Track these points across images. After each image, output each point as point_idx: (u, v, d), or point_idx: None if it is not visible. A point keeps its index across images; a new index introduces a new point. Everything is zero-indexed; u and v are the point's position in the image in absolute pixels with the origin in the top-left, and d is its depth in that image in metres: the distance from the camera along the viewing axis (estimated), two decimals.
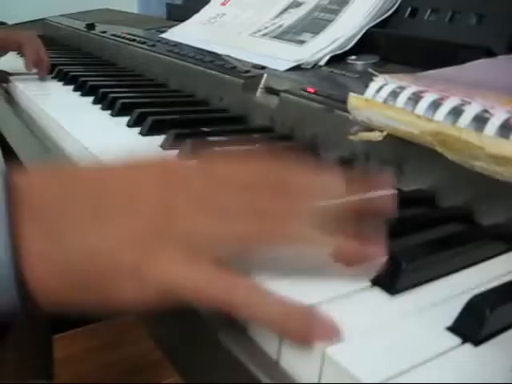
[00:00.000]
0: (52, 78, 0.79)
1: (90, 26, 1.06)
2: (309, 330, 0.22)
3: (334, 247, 0.25)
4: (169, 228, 0.23)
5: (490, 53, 0.49)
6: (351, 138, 0.40)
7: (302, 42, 0.65)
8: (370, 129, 0.39)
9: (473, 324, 0.23)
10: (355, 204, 0.27)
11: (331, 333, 0.22)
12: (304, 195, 0.26)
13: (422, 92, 0.36)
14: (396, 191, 0.29)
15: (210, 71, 0.63)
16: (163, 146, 0.47)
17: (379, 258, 0.25)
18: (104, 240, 0.23)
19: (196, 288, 0.23)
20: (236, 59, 0.67)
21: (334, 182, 0.26)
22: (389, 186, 0.29)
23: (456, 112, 0.33)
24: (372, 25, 0.63)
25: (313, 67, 0.61)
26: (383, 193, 0.28)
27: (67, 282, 0.23)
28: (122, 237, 0.23)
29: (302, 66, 0.61)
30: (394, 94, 0.37)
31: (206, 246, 0.24)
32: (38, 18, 1.29)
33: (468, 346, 0.23)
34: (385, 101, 0.38)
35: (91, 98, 0.64)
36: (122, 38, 0.91)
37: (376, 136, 0.38)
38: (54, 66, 0.82)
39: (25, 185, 0.23)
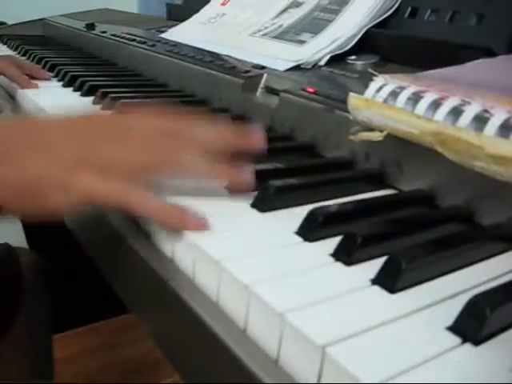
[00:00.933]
0: (52, 77, 0.79)
1: (90, 26, 1.06)
2: (181, 219, 0.31)
3: (216, 171, 0.35)
4: (87, 154, 0.33)
5: (489, 53, 0.49)
6: (351, 138, 0.40)
7: (301, 42, 0.65)
8: (370, 129, 0.39)
9: (473, 324, 0.23)
10: (229, 139, 0.36)
11: (200, 222, 0.31)
12: (192, 136, 0.36)
13: (422, 92, 0.36)
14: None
15: (209, 71, 0.64)
16: None
17: (248, 178, 0.35)
18: (38, 163, 0.32)
19: (105, 194, 0.32)
20: (236, 59, 0.67)
21: (215, 129, 0.37)
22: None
23: (456, 112, 0.33)
24: (372, 25, 0.63)
25: (313, 67, 0.61)
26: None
27: (13, 192, 0.32)
28: (52, 161, 0.32)
29: (302, 66, 0.61)
30: (394, 94, 0.37)
31: (114, 168, 0.33)
32: (38, 18, 1.29)
33: (468, 346, 0.23)
34: (385, 101, 0.38)
35: (91, 98, 0.64)
36: (122, 38, 0.91)
37: (376, 136, 0.38)
38: (54, 66, 0.82)
39: None
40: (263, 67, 0.61)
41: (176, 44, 0.81)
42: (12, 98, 0.74)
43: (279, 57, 0.63)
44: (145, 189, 0.33)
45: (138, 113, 0.38)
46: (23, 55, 0.95)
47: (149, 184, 0.34)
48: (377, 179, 0.41)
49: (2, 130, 0.34)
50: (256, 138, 0.37)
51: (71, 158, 0.32)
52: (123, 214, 0.37)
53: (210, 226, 0.31)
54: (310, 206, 0.33)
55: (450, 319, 0.24)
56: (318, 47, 0.62)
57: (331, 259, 0.29)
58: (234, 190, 0.36)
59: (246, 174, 0.35)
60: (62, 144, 0.33)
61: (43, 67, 0.86)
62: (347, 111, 0.41)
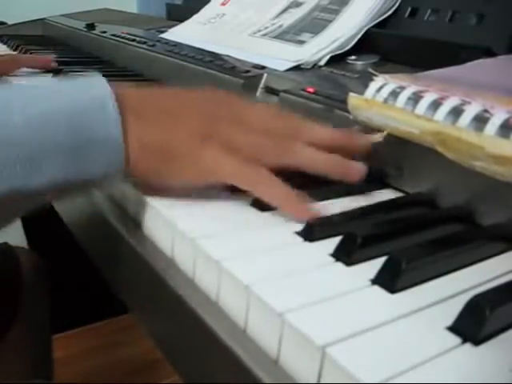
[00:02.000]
0: (52, 77, 0.79)
1: (90, 26, 1.05)
2: (299, 211, 0.33)
3: (328, 159, 0.36)
4: (216, 131, 0.34)
5: (489, 53, 0.49)
6: None
7: (301, 42, 0.65)
8: (370, 129, 0.39)
9: (473, 324, 0.23)
10: (339, 137, 0.38)
11: (315, 214, 0.33)
12: (308, 130, 0.38)
13: (422, 92, 0.36)
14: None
15: (209, 71, 0.63)
16: None
17: (361, 171, 0.36)
18: (172, 133, 0.34)
19: (235, 173, 0.34)
20: (236, 59, 0.67)
21: (326, 128, 0.39)
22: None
23: (456, 112, 0.33)
24: (372, 25, 0.63)
25: (313, 67, 0.61)
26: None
27: (151, 156, 0.33)
28: (183, 133, 0.34)
29: (302, 66, 0.61)
30: (394, 94, 0.37)
31: (240, 149, 0.34)
32: (38, 18, 1.29)
33: (468, 346, 0.23)
34: (385, 101, 0.38)
35: None
36: (122, 38, 0.91)
37: (377, 137, 0.38)
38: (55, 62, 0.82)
39: (126, 95, 0.33)
40: (263, 67, 0.61)
41: (176, 44, 0.81)
42: None
43: (279, 57, 0.63)
44: (272, 175, 0.34)
45: (259, 103, 0.41)
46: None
47: None
48: (377, 179, 0.41)
49: (138, 93, 0.35)
50: (363, 139, 0.39)
51: (200, 131, 0.34)
52: (122, 213, 0.37)
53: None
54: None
55: (450, 319, 0.24)
56: (318, 47, 0.62)
57: (331, 259, 0.29)
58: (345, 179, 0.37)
59: (360, 166, 0.36)
60: (195, 117, 0.35)
61: None
62: (347, 111, 0.41)
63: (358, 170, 0.36)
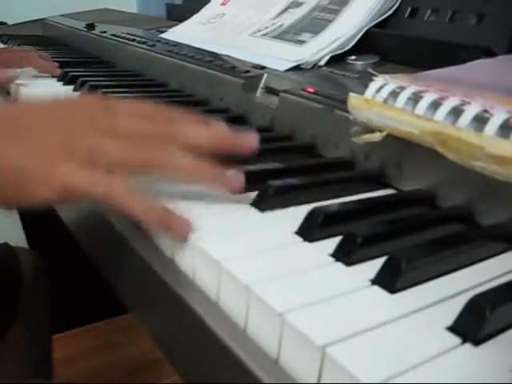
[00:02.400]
0: (52, 77, 0.79)
1: (90, 26, 1.06)
2: (166, 221, 0.30)
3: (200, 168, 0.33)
4: (71, 145, 0.32)
5: (489, 53, 0.49)
6: (354, 139, 0.40)
7: (301, 42, 0.65)
8: (370, 129, 0.39)
9: (473, 324, 0.23)
10: (222, 140, 0.35)
11: (185, 224, 0.30)
12: (184, 135, 0.34)
13: (421, 92, 0.36)
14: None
15: (209, 71, 0.63)
16: None
17: (238, 182, 0.34)
18: (20, 154, 0.31)
19: (87, 186, 0.31)
20: (236, 59, 0.67)
21: (207, 129, 0.36)
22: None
23: (456, 112, 0.33)
24: (372, 25, 0.63)
25: (313, 67, 0.61)
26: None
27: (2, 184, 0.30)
28: (33, 151, 0.31)
29: (302, 66, 0.61)
30: (394, 94, 0.37)
31: (99, 160, 0.31)
32: (38, 18, 1.29)
33: (468, 346, 0.23)
34: (385, 101, 0.38)
35: None
36: (122, 37, 0.91)
37: (376, 137, 0.38)
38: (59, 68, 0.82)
39: None
40: (263, 67, 0.61)
41: (176, 44, 0.81)
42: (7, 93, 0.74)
43: (279, 57, 0.63)
44: (129, 185, 0.32)
45: (128, 104, 0.37)
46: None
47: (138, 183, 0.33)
48: (377, 179, 0.41)
49: None
50: (250, 138, 0.35)
51: (53, 148, 0.31)
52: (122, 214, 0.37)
53: (194, 228, 0.30)
54: (310, 206, 0.33)
55: (450, 319, 0.24)
56: (318, 47, 0.62)
57: (331, 259, 0.29)
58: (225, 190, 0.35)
59: (237, 178, 0.34)
60: (45, 133, 0.32)
61: None
62: (347, 111, 0.41)
63: (235, 181, 0.33)
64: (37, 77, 0.77)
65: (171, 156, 0.33)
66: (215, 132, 0.36)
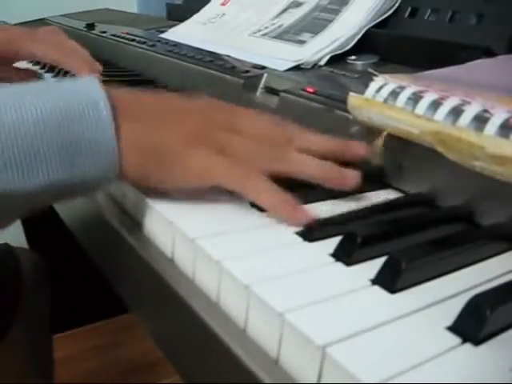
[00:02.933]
0: (52, 77, 0.79)
1: (90, 26, 1.05)
2: (295, 215, 0.33)
3: (322, 167, 0.36)
4: (207, 134, 0.35)
5: (489, 53, 0.49)
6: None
7: (301, 42, 0.65)
8: (370, 129, 0.39)
9: (473, 324, 0.23)
10: (334, 145, 0.38)
11: (307, 216, 0.33)
12: (304, 138, 0.38)
13: (421, 92, 0.36)
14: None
15: (209, 71, 0.63)
16: None
17: (355, 180, 0.36)
18: (166, 136, 0.34)
19: (223, 173, 0.33)
20: (236, 59, 0.67)
21: (322, 136, 0.39)
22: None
23: (456, 112, 0.33)
24: (372, 25, 0.63)
25: (313, 67, 0.61)
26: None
27: (143, 160, 0.33)
28: (178, 136, 0.34)
29: (302, 66, 0.61)
30: (394, 94, 0.37)
31: (231, 153, 0.34)
32: (38, 18, 1.29)
33: (468, 346, 0.23)
34: (385, 101, 0.38)
35: None
36: (122, 38, 0.91)
37: (379, 142, 0.38)
38: (54, 66, 0.82)
39: (120, 98, 0.33)
40: (263, 67, 0.61)
41: (176, 44, 0.81)
42: None
43: (279, 57, 0.63)
44: (262, 177, 0.34)
45: (251, 111, 0.41)
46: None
47: None
48: (377, 179, 0.41)
49: (132, 97, 0.36)
50: (359, 146, 0.38)
51: (194, 135, 0.34)
52: (122, 214, 0.37)
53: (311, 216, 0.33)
54: (310, 206, 0.33)
55: (450, 319, 0.24)
56: (318, 47, 0.62)
57: (331, 259, 0.29)
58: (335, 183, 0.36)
59: (354, 174, 0.36)
60: (187, 122, 0.35)
61: (43, 67, 0.86)
62: (347, 111, 0.41)
63: (351, 177, 0.36)
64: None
65: (293, 155, 0.36)
66: (330, 139, 0.39)
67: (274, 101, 0.53)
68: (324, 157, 0.36)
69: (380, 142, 0.38)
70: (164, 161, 0.33)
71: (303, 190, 0.37)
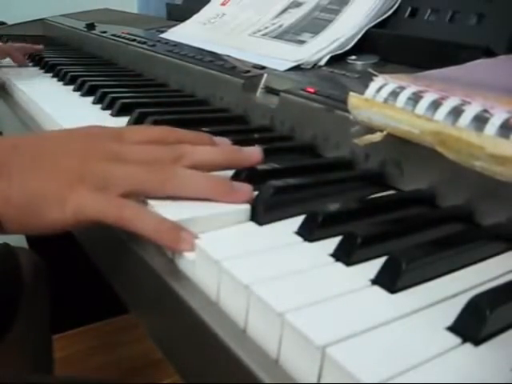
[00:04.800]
0: (52, 77, 0.79)
1: (90, 26, 1.06)
2: (177, 238, 0.31)
3: (209, 181, 0.34)
4: (87, 171, 0.33)
5: (489, 53, 0.49)
6: (355, 141, 0.40)
7: (301, 42, 0.65)
8: (370, 128, 0.39)
9: (473, 324, 0.23)
10: (227, 155, 0.37)
11: (191, 242, 0.30)
12: (193, 154, 0.36)
13: (422, 92, 0.36)
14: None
15: (209, 71, 0.63)
16: None
17: (247, 195, 0.34)
18: (38, 179, 0.32)
19: (98, 209, 0.32)
20: (236, 59, 0.67)
21: (216, 149, 0.38)
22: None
23: (456, 112, 0.33)
24: (372, 25, 0.63)
25: (313, 67, 0.61)
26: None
27: (16, 210, 0.32)
28: (51, 177, 0.33)
29: (302, 66, 0.61)
30: (394, 94, 0.37)
31: (113, 185, 0.33)
32: (38, 18, 1.29)
33: (468, 346, 0.23)
34: (385, 101, 0.38)
35: (91, 98, 0.64)
36: (122, 38, 0.91)
37: (376, 137, 0.38)
38: (54, 66, 0.82)
39: None
40: (263, 67, 0.61)
41: (176, 44, 0.81)
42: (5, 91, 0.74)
43: (279, 57, 0.63)
44: (142, 207, 0.33)
45: (136, 129, 0.39)
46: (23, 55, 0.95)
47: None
48: (377, 179, 0.41)
49: (3, 145, 0.35)
50: (255, 152, 0.38)
51: (71, 174, 0.33)
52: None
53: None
54: (310, 206, 0.33)
55: (450, 319, 0.24)
56: (318, 47, 0.62)
57: (331, 259, 0.29)
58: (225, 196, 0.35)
59: (247, 191, 0.35)
60: (63, 161, 0.33)
61: (43, 67, 0.86)
62: (347, 111, 0.41)
63: (243, 193, 0.34)
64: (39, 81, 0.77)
65: (182, 174, 0.34)
66: (222, 149, 0.38)
67: (274, 101, 0.53)
68: (218, 168, 0.36)
69: (377, 138, 0.38)
70: (41, 209, 0.32)
71: (307, 189, 0.37)
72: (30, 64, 0.91)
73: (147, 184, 0.33)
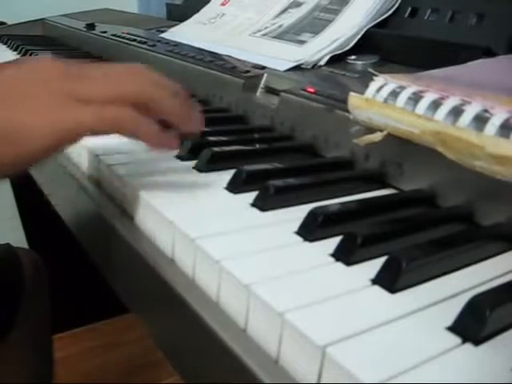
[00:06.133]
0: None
1: (90, 26, 1.06)
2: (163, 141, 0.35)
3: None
4: (69, 90, 0.32)
5: (489, 53, 0.49)
6: (355, 141, 0.40)
7: (302, 42, 0.65)
8: (370, 128, 0.39)
9: (473, 324, 0.23)
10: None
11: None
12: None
13: (422, 92, 0.36)
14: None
15: (210, 71, 0.63)
16: None
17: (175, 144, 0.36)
18: (9, 111, 0.31)
19: (97, 119, 0.32)
20: (236, 59, 0.67)
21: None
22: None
23: (456, 112, 0.33)
24: (372, 25, 0.63)
25: (313, 67, 0.61)
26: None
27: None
28: (25, 106, 0.31)
29: (302, 66, 0.61)
30: (394, 94, 0.37)
31: (99, 97, 0.33)
32: (38, 18, 1.29)
33: (468, 346, 0.23)
34: (385, 100, 0.38)
35: None
36: (122, 38, 0.91)
37: (377, 137, 0.38)
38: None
39: None
40: (263, 67, 0.61)
41: (176, 44, 0.81)
42: None
43: (279, 57, 0.63)
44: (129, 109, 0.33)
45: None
46: (23, 55, 0.95)
47: None
48: (377, 179, 0.41)
49: None
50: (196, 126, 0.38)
51: (43, 98, 0.32)
52: (122, 214, 0.37)
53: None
54: (310, 206, 0.33)
55: (450, 319, 0.24)
56: (318, 47, 0.62)
57: (331, 259, 0.29)
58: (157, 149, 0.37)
59: (173, 139, 0.36)
60: (29, 90, 0.33)
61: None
62: (347, 111, 0.41)
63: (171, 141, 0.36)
64: None
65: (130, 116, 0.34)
66: (177, 104, 0.37)
67: (274, 101, 0.53)
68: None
69: (377, 138, 0.38)
70: (20, 138, 0.31)
71: (307, 189, 0.37)
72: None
73: (128, 94, 0.34)
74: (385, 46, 0.61)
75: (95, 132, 0.33)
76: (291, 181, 0.37)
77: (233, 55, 0.68)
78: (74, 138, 0.32)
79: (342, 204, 0.36)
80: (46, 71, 0.34)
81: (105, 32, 0.99)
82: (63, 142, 0.32)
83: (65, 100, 0.32)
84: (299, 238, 0.32)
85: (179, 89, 0.39)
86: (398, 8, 0.63)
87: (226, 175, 0.38)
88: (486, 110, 0.32)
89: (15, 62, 0.37)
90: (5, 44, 1.10)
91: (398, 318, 0.24)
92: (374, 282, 0.27)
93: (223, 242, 0.30)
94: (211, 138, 0.47)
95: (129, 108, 0.33)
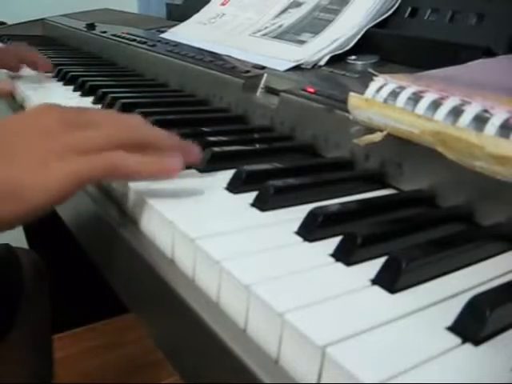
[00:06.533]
0: (52, 77, 0.79)
1: (90, 26, 1.06)
2: (163, 168, 0.34)
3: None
4: (54, 145, 0.33)
5: (489, 53, 0.49)
6: (355, 141, 0.40)
7: (301, 42, 0.65)
8: (370, 129, 0.39)
9: (473, 324, 0.23)
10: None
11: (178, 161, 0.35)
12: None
13: (422, 92, 0.36)
14: None
15: (210, 71, 0.64)
16: None
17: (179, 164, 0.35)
18: (13, 168, 0.31)
19: (89, 167, 0.32)
20: (236, 59, 0.67)
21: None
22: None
23: (456, 112, 0.33)
24: (372, 25, 0.63)
25: (313, 67, 0.61)
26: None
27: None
28: (21, 163, 0.32)
29: (302, 66, 0.61)
30: (394, 94, 0.37)
31: (85, 146, 0.33)
32: (38, 18, 1.29)
33: (468, 346, 0.23)
34: (385, 101, 0.38)
35: (91, 98, 0.64)
36: (122, 38, 0.91)
37: (377, 137, 0.38)
38: (54, 66, 0.82)
39: None
40: (263, 67, 0.61)
41: (176, 44, 0.81)
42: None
43: (279, 57, 0.63)
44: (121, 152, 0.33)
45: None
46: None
47: None
48: (377, 179, 0.41)
49: None
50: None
51: (40, 154, 0.32)
52: (122, 214, 0.37)
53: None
54: (310, 206, 0.33)
55: (450, 319, 0.24)
56: (318, 47, 0.62)
57: (331, 259, 0.29)
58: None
59: (176, 159, 0.35)
60: (27, 146, 0.33)
61: None
62: (347, 111, 0.41)
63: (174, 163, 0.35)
64: (39, 81, 0.77)
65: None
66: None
67: (273, 101, 0.53)
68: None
69: (377, 138, 0.38)
70: (18, 194, 0.31)
71: (307, 189, 0.37)
72: None
73: (121, 131, 0.35)
74: (385, 46, 0.61)
75: (95, 181, 0.35)
76: (291, 181, 0.37)
77: (233, 55, 0.68)
78: (74, 190, 0.32)
79: (342, 204, 0.36)
80: (45, 122, 0.35)
81: (105, 32, 0.99)
82: (66, 195, 0.32)
83: (62, 154, 0.32)
84: (299, 238, 0.32)
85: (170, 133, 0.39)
86: (398, 8, 0.63)
87: (226, 175, 0.38)
88: (485, 110, 0.32)
89: (19, 115, 0.38)
90: (5, 44, 1.10)
91: (398, 318, 0.24)
92: (374, 282, 0.27)
93: (223, 243, 0.30)
94: (211, 138, 0.47)
95: (120, 151, 0.33)
